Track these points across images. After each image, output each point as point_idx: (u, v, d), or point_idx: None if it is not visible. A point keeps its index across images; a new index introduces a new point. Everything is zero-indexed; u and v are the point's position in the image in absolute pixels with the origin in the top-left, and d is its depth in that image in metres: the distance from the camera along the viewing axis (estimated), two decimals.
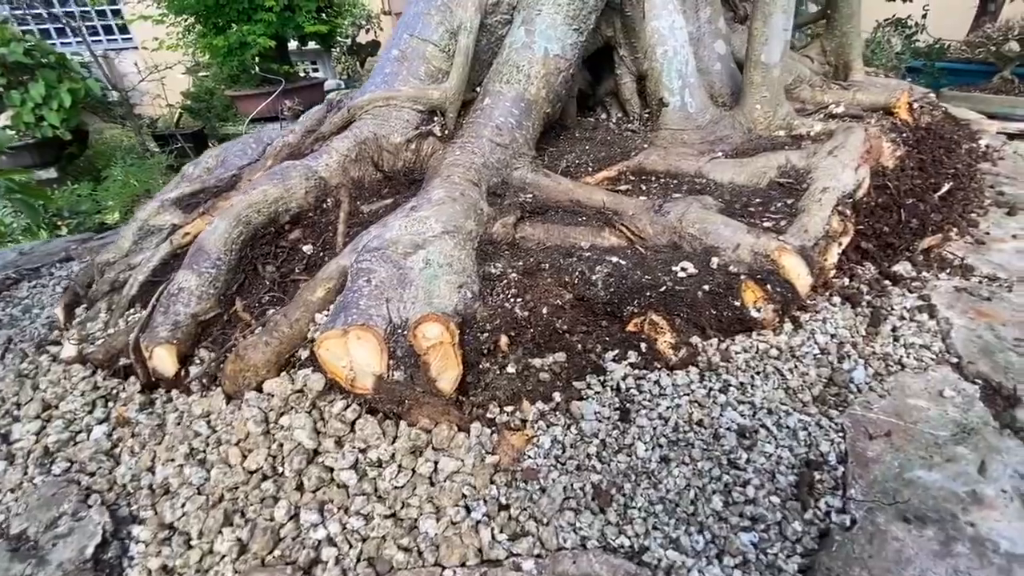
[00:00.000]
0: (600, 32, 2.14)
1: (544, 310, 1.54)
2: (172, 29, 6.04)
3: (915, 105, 3.04)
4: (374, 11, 9.42)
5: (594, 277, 1.61)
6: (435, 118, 1.89)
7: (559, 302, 1.57)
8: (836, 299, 1.72)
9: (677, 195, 1.87)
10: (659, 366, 1.47)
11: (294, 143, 1.99)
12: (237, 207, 1.63)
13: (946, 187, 2.46)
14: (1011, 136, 4.13)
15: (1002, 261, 2.01)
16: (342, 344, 1.32)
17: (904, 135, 2.81)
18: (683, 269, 1.61)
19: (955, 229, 2.27)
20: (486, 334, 1.44)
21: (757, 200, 1.90)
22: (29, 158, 5.58)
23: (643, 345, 1.50)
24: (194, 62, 7.50)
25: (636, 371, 1.46)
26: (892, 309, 1.74)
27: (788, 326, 1.60)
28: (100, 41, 9.05)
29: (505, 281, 1.57)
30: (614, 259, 1.66)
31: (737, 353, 1.51)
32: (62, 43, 8.32)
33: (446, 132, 1.88)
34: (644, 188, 1.99)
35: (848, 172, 1.87)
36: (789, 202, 1.87)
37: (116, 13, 9.04)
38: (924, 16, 6.93)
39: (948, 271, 1.95)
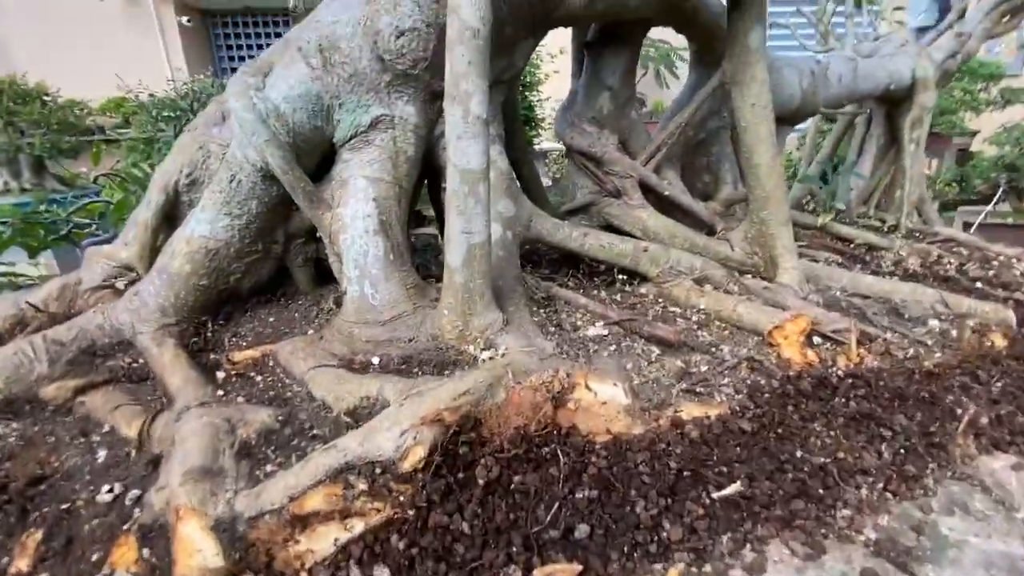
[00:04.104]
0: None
1: None
2: None
3: (823, 336, 1.99)
4: None
5: None
6: (128, 274, 2.14)
7: None
8: None
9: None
10: None
11: None
12: None
13: (732, 488, 1.53)
14: None
15: None
16: None
17: (756, 383, 1.85)
18: None
19: None
20: None
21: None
22: None
23: None
24: None
25: None
26: None
27: None
28: None
29: None
30: None
31: None
32: None
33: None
34: (254, 379, 1.84)
35: (385, 437, 1.40)
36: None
37: None
38: None
39: None
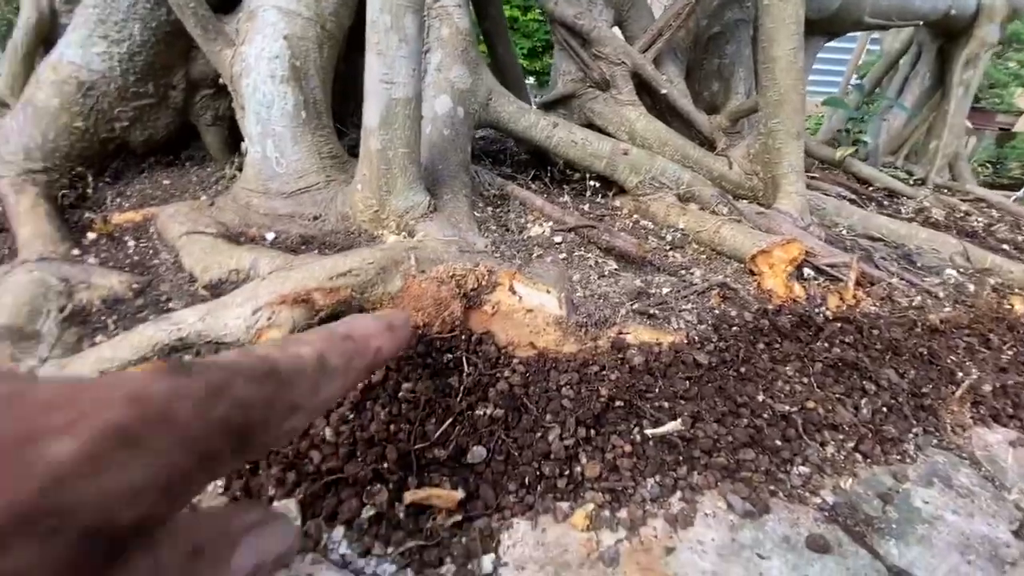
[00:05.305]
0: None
1: None
2: None
3: (817, 270, 1.66)
4: None
5: None
6: (2, 109, 1.78)
7: None
8: None
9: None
10: None
11: None
12: None
13: (671, 425, 1.26)
14: None
15: None
16: None
17: (725, 314, 1.54)
18: None
19: None
20: None
21: None
22: None
23: None
24: None
25: None
26: None
27: None
28: None
29: None
30: None
31: None
32: None
33: None
34: (125, 244, 1.53)
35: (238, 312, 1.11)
36: None
37: None
38: None
39: None
